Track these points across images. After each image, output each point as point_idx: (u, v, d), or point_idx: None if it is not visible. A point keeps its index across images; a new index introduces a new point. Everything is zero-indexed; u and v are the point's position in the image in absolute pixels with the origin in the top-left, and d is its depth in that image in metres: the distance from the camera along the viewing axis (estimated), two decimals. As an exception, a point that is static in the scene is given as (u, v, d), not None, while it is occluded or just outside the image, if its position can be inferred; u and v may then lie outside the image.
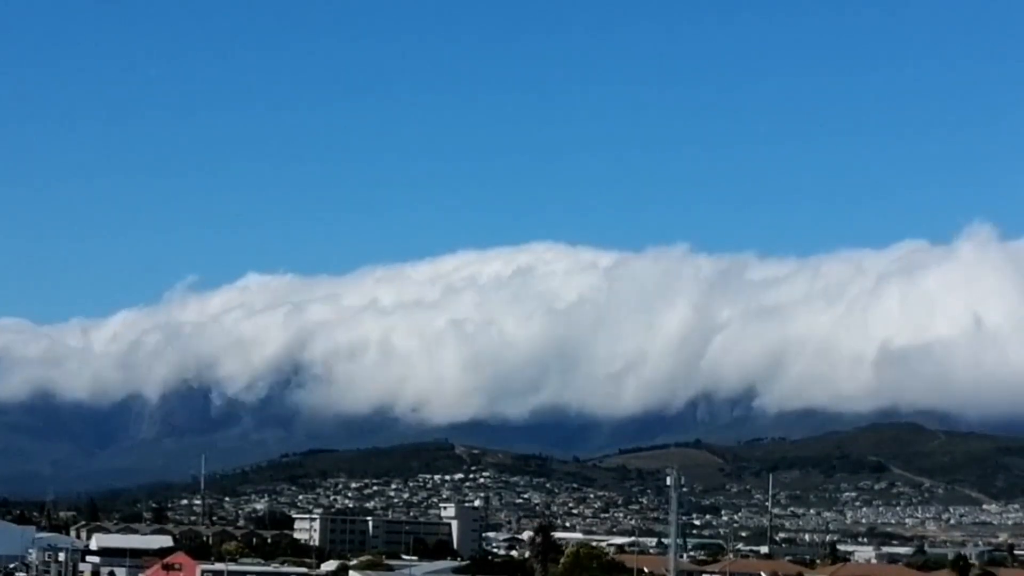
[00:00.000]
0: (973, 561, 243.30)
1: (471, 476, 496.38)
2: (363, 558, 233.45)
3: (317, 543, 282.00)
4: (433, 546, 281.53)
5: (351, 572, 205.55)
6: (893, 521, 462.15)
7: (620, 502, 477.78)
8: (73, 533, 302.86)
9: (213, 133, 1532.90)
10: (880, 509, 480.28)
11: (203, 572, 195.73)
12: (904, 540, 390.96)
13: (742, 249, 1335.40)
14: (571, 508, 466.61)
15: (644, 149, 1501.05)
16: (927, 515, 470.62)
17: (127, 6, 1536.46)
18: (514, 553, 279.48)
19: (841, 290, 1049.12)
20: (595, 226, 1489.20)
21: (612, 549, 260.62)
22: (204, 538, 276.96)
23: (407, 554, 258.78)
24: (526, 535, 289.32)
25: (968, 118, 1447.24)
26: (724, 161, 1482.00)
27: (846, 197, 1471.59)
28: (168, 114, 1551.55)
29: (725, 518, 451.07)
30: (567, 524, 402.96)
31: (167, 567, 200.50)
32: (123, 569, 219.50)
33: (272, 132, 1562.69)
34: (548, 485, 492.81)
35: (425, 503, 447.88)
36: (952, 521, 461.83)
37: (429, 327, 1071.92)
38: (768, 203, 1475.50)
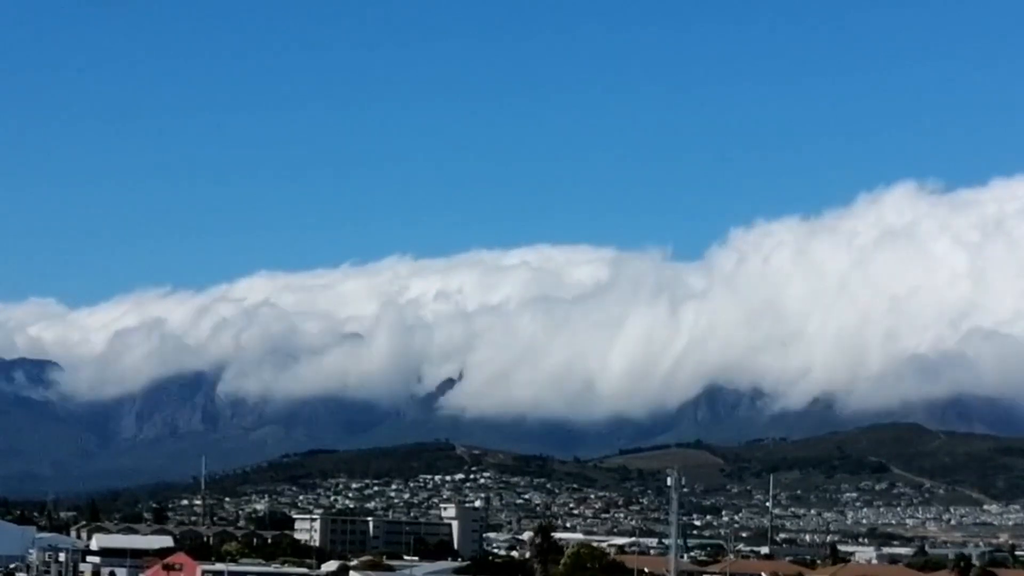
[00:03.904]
0: (974, 562, 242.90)
1: (472, 476, 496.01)
2: (364, 558, 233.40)
3: (318, 543, 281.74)
4: (434, 546, 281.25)
5: (352, 572, 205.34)
6: (894, 522, 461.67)
7: (620, 503, 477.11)
8: (74, 533, 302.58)
9: (208, 137, 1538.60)
10: (881, 510, 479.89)
11: (203, 572, 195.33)
12: (905, 541, 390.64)
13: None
14: (572, 509, 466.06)
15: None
16: (928, 516, 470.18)
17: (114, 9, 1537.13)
18: (515, 553, 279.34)
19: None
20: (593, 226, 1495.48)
21: (613, 550, 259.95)
22: (205, 538, 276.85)
23: (408, 554, 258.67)
24: (527, 535, 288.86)
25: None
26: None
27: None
28: (166, 117, 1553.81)
29: (726, 518, 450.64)
30: (568, 525, 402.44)
31: (167, 567, 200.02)
32: (123, 569, 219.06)
33: (270, 134, 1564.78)
34: (549, 486, 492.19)
35: (426, 503, 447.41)
36: (953, 522, 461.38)
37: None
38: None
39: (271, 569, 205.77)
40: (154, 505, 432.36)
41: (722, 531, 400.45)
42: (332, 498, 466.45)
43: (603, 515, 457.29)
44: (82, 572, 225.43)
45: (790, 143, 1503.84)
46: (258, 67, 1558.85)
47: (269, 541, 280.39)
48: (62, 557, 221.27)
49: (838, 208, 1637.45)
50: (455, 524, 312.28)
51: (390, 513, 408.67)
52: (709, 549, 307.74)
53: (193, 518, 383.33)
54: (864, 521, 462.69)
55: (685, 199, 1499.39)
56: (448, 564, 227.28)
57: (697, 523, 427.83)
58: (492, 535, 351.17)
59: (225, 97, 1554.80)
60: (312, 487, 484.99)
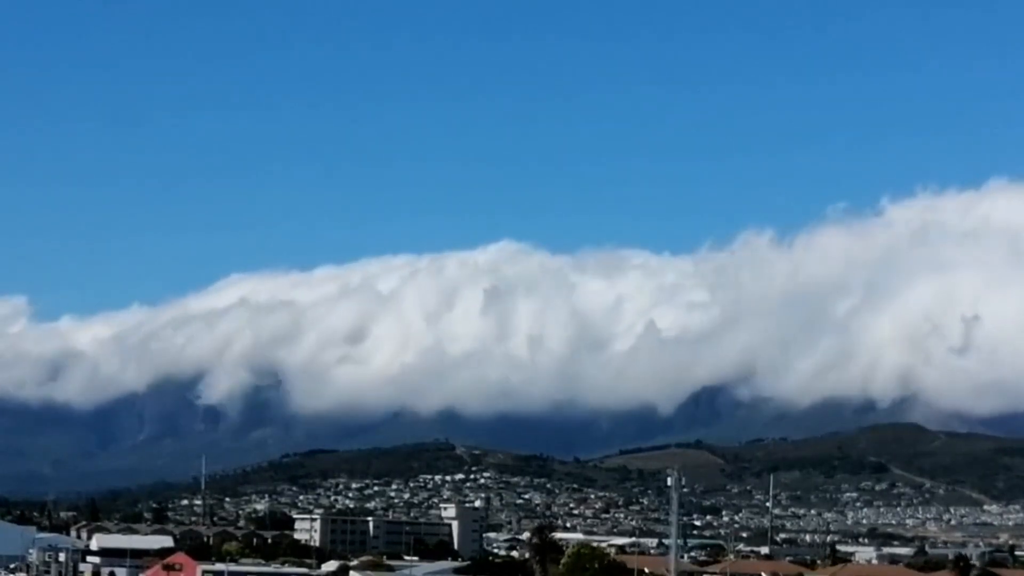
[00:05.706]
0: (974, 562, 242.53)
1: (472, 476, 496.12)
2: (364, 558, 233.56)
3: (318, 543, 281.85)
4: (434, 546, 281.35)
5: (352, 572, 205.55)
6: (894, 522, 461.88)
7: (621, 503, 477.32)
8: (73, 533, 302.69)
9: (206, 136, 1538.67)
10: (881, 510, 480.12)
11: (204, 572, 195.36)
12: (905, 541, 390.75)
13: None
14: (572, 509, 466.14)
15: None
16: (928, 516, 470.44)
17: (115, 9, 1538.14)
18: (515, 553, 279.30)
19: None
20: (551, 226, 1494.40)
21: (613, 550, 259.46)
22: (205, 538, 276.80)
23: (408, 554, 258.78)
24: (527, 535, 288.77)
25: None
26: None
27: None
28: (168, 117, 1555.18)
29: (726, 519, 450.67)
30: (568, 525, 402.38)
31: (168, 567, 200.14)
32: (123, 569, 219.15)
33: (269, 133, 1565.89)
34: (549, 486, 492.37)
35: (426, 503, 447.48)
36: (953, 522, 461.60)
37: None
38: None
39: (271, 569, 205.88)
40: (154, 505, 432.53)
41: (722, 531, 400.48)
42: (332, 498, 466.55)
43: (603, 515, 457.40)
44: (82, 572, 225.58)
45: (799, 141, 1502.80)
46: (234, 66, 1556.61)
47: (269, 541, 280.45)
48: (62, 557, 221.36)
49: (842, 209, 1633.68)
50: (455, 524, 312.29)
51: (390, 513, 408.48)
52: (709, 549, 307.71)
53: (193, 518, 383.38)
54: (864, 521, 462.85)
55: (682, 195, 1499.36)
56: (448, 564, 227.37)
57: (697, 523, 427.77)
58: (492, 535, 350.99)
59: (197, 98, 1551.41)
60: (312, 487, 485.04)
